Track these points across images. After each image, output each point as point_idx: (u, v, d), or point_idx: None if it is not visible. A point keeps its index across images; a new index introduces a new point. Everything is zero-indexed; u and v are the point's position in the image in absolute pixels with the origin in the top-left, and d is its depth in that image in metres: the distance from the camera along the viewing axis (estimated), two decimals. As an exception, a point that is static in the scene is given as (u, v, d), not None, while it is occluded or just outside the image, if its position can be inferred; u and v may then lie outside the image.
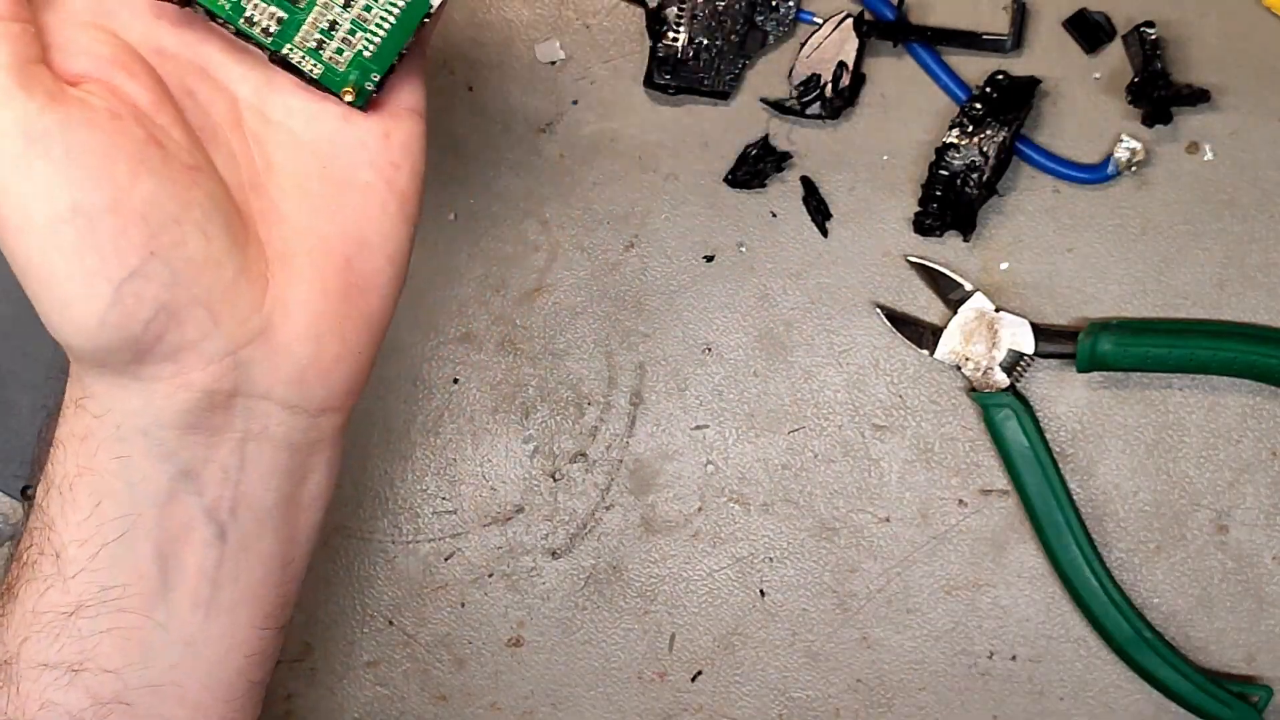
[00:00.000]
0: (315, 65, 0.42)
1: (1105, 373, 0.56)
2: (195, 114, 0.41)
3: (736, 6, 0.55)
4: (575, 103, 0.57)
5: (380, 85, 0.42)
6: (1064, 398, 0.56)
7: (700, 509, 0.58)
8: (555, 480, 0.58)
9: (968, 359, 0.55)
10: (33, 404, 0.57)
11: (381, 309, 0.42)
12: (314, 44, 0.42)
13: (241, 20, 0.41)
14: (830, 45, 0.55)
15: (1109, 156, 0.55)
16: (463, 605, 0.58)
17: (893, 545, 0.57)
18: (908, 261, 0.56)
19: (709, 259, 0.57)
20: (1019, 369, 0.55)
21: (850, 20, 0.55)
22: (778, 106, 0.56)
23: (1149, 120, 0.54)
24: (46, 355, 0.57)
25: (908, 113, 0.56)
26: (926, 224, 0.55)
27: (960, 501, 0.57)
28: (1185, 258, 0.56)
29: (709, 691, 0.58)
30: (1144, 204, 0.56)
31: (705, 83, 0.56)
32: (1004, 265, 0.56)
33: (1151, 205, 0.56)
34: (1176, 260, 0.56)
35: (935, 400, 0.57)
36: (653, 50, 0.56)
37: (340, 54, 0.42)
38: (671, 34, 0.55)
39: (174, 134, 0.40)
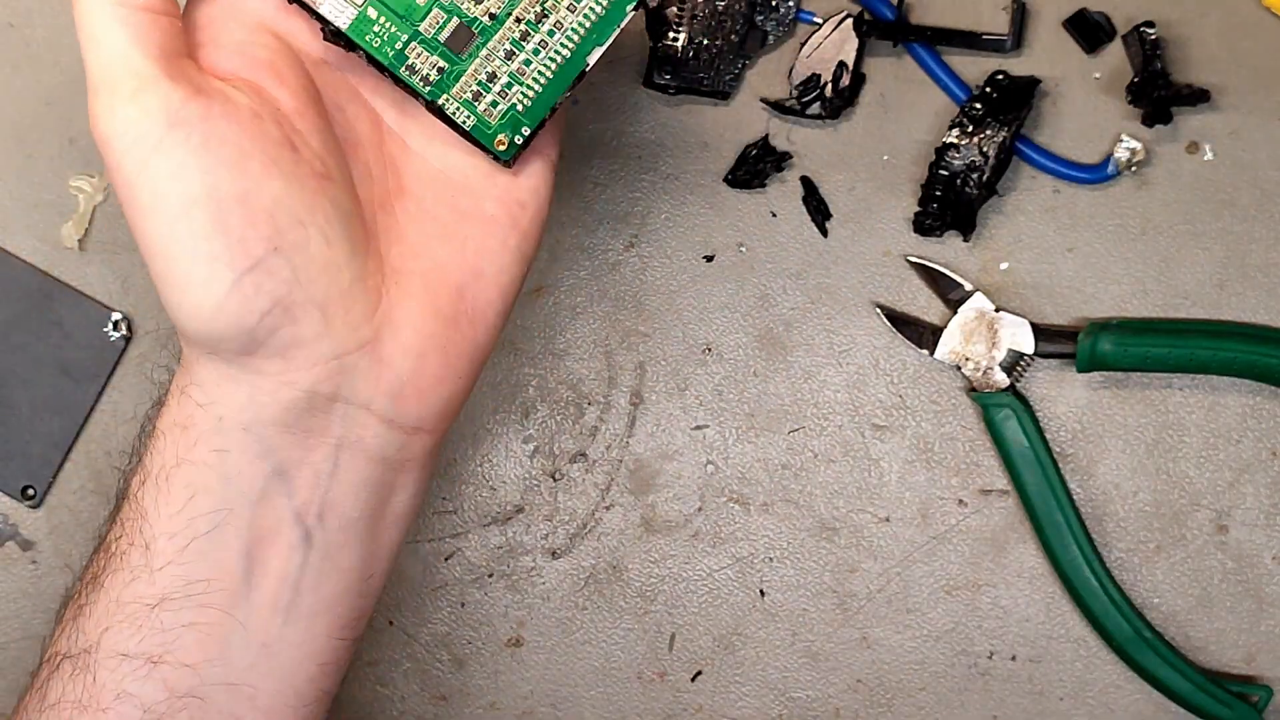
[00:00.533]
0: (469, 116, 0.42)
1: (1105, 373, 0.56)
2: (341, 127, 0.43)
3: (736, 6, 0.55)
4: (576, 102, 0.57)
5: (528, 141, 0.43)
6: (1064, 398, 0.56)
7: (700, 509, 0.58)
8: (555, 480, 0.58)
9: (967, 359, 0.55)
10: (33, 403, 0.57)
11: (486, 340, 0.44)
12: (470, 95, 0.42)
13: (403, 68, 0.42)
14: (830, 45, 0.55)
15: (1109, 156, 0.55)
16: (463, 605, 0.58)
17: (893, 545, 0.57)
18: (908, 261, 0.56)
19: (709, 259, 0.57)
20: (1019, 369, 0.55)
21: (850, 20, 0.55)
22: (778, 106, 0.56)
23: (1149, 120, 0.54)
24: (48, 355, 0.57)
25: (908, 113, 0.56)
26: (926, 224, 0.55)
27: (960, 501, 0.57)
28: (1185, 258, 0.56)
29: (709, 691, 0.58)
30: (1144, 204, 0.56)
31: (705, 83, 0.56)
32: (1004, 265, 0.56)
33: (1151, 205, 0.56)
34: (1176, 260, 0.56)
35: (935, 400, 0.57)
36: (653, 50, 0.56)
37: (495, 107, 0.43)
38: (671, 34, 0.55)
39: (312, 141, 0.41)
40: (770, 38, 0.56)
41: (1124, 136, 0.54)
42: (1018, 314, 0.55)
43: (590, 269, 0.58)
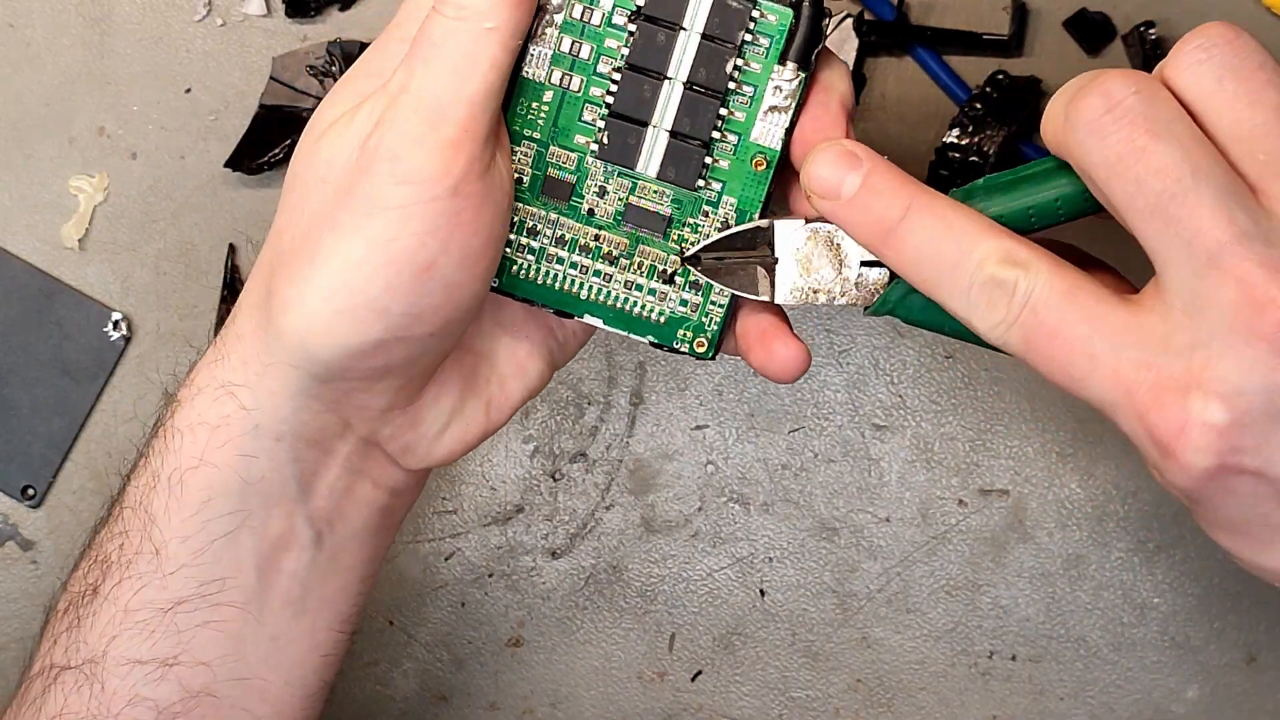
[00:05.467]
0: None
1: None
2: None
3: (736, 6, 0.55)
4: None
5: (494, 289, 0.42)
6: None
7: (700, 509, 0.58)
8: (555, 480, 0.58)
9: (816, 290, 0.42)
10: (33, 404, 0.57)
11: (501, 424, 0.44)
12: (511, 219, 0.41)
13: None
14: (830, 45, 0.55)
15: (1109, 156, 0.54)
16: (463, 605, 0.58)
17: (893, 545, 0.57)
18: (684, 262, 0.42)
19: (709, 259, 0.57)
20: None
21: (850, 20, 0.55)
22: (778, 106, 0.56)
23: (1149, 120, 0.54)
24: (48, 355, 0.57)
25: (908, 113, 0.56)
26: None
27: (960, 501, 0.57)
28: (1185, 258, 0.56)
29: (709, 691, 0.58)
30: (1144, 204, 0.56)
31: (705, 83, 0.56)
32: (1004, 265, 0.56)
33: (1151, 205, 0.56)
34: (1176, 260, 0.56)
35: (935, 400, 0.57)
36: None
37: (511, 248, 0.41)
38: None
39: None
40: (770, 38, 0.56)
41: (1124, 136, 0.54)
42: None
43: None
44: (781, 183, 0.41)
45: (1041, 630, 0.57)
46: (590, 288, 0.41)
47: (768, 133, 0.40)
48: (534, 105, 0.40)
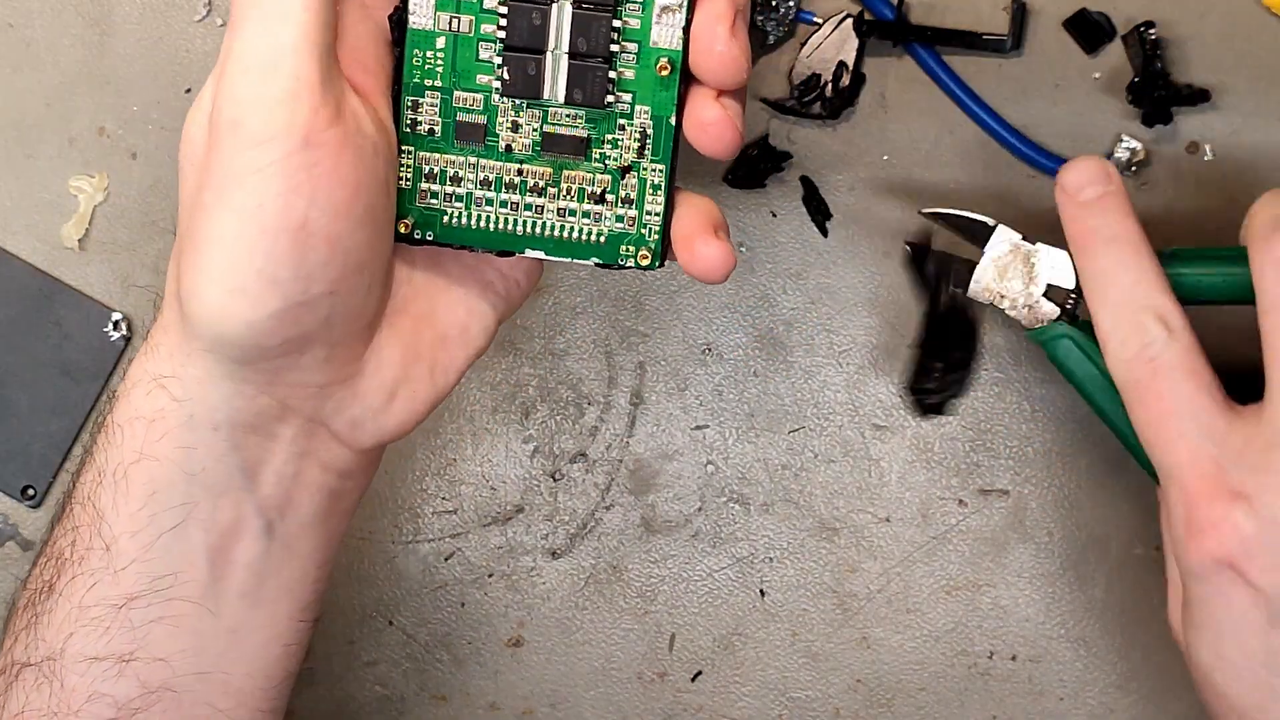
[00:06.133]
0: (408, 179, 0.41)
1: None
2: None
3: (736, 6, 0.55)
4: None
5: (414, 240, 0.41)
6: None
7: (700, 509, 0.58)
8: (555, 480, 0.58)
9: (1003, 296, 0.50)
10: (33, 404, 0.57)
11: (445, 393, 0.44)
12: (426, 170, 0.41)
13: (409, 98, 0.40)
14: (830, 45, 0.55)
15: (1109, 157, 0.55)
16: (463, 605, 0.58)
17: (893, 545, 0.57)
18: (922, 214, 0.52)
19: (709, 259, 0.57)
20: (1070, 300, 0.49)
21: (850, 20, 0.55)
22: (778, 106, 0.56)
23: (1149, 120, 0.54)
24: (48, 355, 0.57)
25: (908, 113, 0.56)
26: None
27: (960, 501, 0.57)
28: (1185, 258, 0.56)
29: (709, 691, 0.58)
30: (1144, 204, 0.56)
31: (705, 83, 0.56)
32: (1004, 265, 0.56)
33: (1152, 205, 0.56)
34: (1176, 260, 0.56)
35: (935, 400, 0.57)
36: (653, 50, 0.55)
37: (433, 197, 0.41)
38: (671, 34, 0.55)
39: (392, 176, 0.40)
40: (770, 38, 0.56)
41: (1124, 137, 0.54)
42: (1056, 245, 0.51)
43: (590, 269, 0.58)
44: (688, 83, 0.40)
45: (1041, 630, 0.57)
46: (524, 222, 0.41)
47: (666, 35, 0.39)
48: (429, 55, 0.39)
